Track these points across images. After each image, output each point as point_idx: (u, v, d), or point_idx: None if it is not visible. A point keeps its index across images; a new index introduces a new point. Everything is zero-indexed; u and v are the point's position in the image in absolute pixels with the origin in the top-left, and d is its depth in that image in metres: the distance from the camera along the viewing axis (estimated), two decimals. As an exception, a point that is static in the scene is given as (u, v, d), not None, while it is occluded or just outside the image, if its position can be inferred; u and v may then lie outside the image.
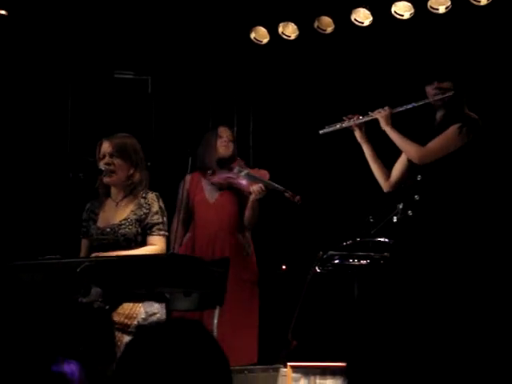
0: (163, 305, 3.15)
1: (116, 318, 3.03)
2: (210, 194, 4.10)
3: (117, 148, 3.25)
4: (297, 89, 4.71)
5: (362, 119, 3.42)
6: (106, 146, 3.28)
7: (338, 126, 3.44)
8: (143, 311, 3.09)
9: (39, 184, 4.34)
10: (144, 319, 3.07)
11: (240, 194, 4.07)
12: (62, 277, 2.87)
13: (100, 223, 3.28)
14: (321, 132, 3.49)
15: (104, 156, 3.27)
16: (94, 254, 3.17)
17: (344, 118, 3.44)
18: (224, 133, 4.11)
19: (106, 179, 3.26)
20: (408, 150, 3.30)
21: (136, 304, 3.08)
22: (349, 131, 3.47)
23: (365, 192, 4.14)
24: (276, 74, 4.75)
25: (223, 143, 4.09)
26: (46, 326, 2.68)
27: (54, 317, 2.75)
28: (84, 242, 3.34)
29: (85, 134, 4.50)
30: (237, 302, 3.86)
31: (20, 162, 4.38)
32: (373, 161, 3.43)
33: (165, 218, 3.24)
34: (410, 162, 3.34)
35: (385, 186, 3.43)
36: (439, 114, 3.35)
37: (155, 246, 3.18)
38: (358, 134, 3.45)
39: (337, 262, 3.73)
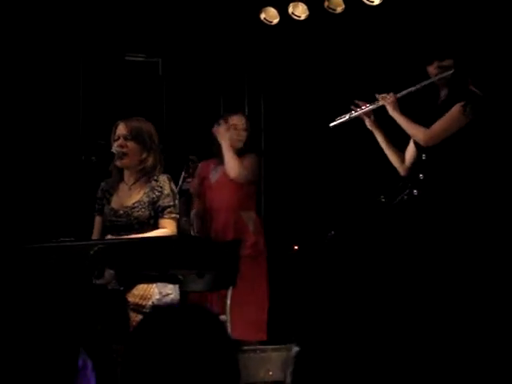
0: (177, 285, 3.16)
1: (130, 298, 3.04)
2: (212, 176, 4.09)
3: (131, 131, 3.24)
4: (307, 69, 4.67)
5: (368, 107, 3.41)
6: (121, 129, 3.28)
7: (347, 117, 3.44)
8: (157, 292, 3.09)
9: (52, 167, 4.34)
10: (158, 300, 3.08)
11: None
12: (77, 259, 2.89)
13: (114, 204, 3.29)
14: (331, 125, 3.49)
15: (118, 138, 3.27)
16: (108, 236, 3.19)
17: (352, 107, 3.44)
18: (235, 121, 4.02)
19: (117, 162, 3.27)
20: (414, 134, 3.30)
21: (150, 285, 3.09)
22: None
23: (376, 171, 4.11)
24: (286, 54, 4.71)
25: (235, 134, 4.00)
26: (61, 309, 2.70)
27: (69, 299, 2.77)
28: (97, 219, 3.35)
29: (96, 116, 4.49)
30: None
31: (32, 145, 4.38)
32: (386, 147, 3.42)
33: (176, 201, 3.24)
34: (418, 143, 3.32)
35: (401, 170, 3.43)
36: (443, 93, 3.33)
37: (166, 229, 3.18)
38: (368, 123, 3.45)
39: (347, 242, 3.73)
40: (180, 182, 4.00)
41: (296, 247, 4.53)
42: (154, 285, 3.09)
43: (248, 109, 4.78)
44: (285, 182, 4.41)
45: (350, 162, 4.44)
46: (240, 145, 4.02)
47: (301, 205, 4.57)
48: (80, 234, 3.30)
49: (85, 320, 2.75)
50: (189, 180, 4.02)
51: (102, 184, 3.38)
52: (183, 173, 4.02)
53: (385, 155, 3.49)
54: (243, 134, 4.01)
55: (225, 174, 4.05)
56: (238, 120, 4.03)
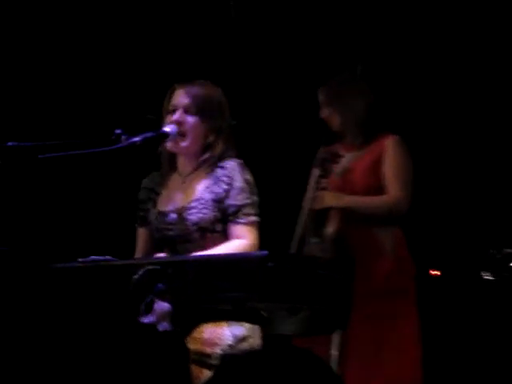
0: (258, 326, 3.13)
1: (192, 345, 3.01)
2: (338, 168, 4.09)
3: (195, 101, 3.25)
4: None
5: None
6: (179, 96, 3.27)
7: None
8: (229, 335, 3.12)
9: (78, 155, 4.39)
10: (231, 346, 3.10)
11: (379, 167, 4.02)
12: (114, 287, 2.90)
13: (162, 206, 3.30)
14: None
15: (175, 110, 3.26)
16: (157, 255, 3.17)
17: None
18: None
19: (170, 144, 3.26)
20: None
21: (219, 325, 3.10)
22: None
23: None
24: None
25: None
26: (91, 356, 2.73)
27: (103, 345, 2.80)
28: (142, 233, 3.37)
29: (137, 78, 4.49)
30: (363, 322, 3.79)
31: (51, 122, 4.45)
32: None
33: (254, 197, 3.24)
34: None
35: None
36: None
37: (242, 239, 3.18)
38: None
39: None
40: (312, 184, 3.95)
41: (436, 273, 4.45)
42: (225, 325, 3.10)
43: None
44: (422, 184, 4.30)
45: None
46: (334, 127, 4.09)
47: (443, 211, 4.49)
48: (119, 250, 3.32)
49: (127, 374, 2.77)
50: (325, 181, 3.98)
51: (145, 181, 3.41)
52: (316, 169, 3.95)
53: None
54: (322, 113, 4.13)
55: (352, 169, 4.05)
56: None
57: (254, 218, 3.20)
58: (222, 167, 3.23)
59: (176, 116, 3.25)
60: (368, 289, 3.85)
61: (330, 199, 3.96)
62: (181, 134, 3.25)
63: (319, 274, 3.00)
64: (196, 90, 3.27)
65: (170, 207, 3.27)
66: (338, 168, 4.08)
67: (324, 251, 3.91)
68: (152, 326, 2.90)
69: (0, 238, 3.78)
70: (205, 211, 3.20)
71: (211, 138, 3.26)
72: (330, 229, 3.98)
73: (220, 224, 3.20)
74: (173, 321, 2.90)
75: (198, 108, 3.24)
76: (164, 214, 3.26)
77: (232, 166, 3.22)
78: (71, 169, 4.22)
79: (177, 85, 3.31)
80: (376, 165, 4.04)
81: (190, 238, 3.20)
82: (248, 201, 3.20)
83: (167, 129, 3.25)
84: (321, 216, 3.99)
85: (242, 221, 3.18)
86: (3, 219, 4.11)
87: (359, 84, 4.25)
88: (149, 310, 2.90)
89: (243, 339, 3.12)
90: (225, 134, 3.28)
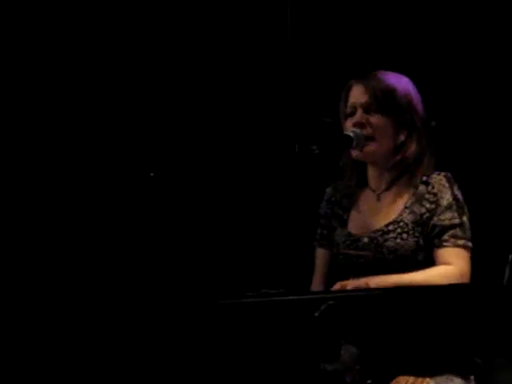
0: (471, 379, 3.16)
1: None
2: None
3: (375, 96, 3.33)
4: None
5: None
6: (358, 93, 3.37)
7: None
8: (436, 393, 3.04)
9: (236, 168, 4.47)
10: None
11: None
12: (290, 326, 2.94)
13: (352, 227, 3.39)
14: None
15: (354, 111, 3.36)
16: (338, 285, 3.23)
17: None
18: None
19: (356, 152, 3.33)
20: None
21: (421, 379, 3.11)
22: None
23: None
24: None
25: None
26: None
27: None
28: (323, 255, 3.49)
29: (309, 74, 4.52)
30: None
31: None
32: None
33: (464, 218, 3.29)
34: None
35: None
36: None
37: (450, 266, 3.24)
38: None
39: None
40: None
41: None
42: (428, 379, 3.12)
43: None
44: None
45: None
46: None
47: None
48: (294, 281, 3.37)
49: None
50: None
51: (329, 191, 3.52)
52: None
53: None
54: None
55: None
56: None
57: (463, 242, 3.24)
58: (425, 182, 3.31)
59: (357, 118, 3.32)
60: None
61: None
62: (367, 138, 3.28)
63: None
64: (375, 83, 3.36)
65: (361, 230, 3.35)
66: None
67: None
68: (338, 376, 2.95)
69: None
70: (404, 236, 3.27)
71: (402, 137, 3.33)
72: None
73: (422, 253, 3.26)
74: (364, 371, 2.96)
75: (379, 104, 3.31)
76: (355, 237, 3.34)
77: (438, 180, 3.30)
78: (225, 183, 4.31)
79: (353, 81, 3.40)
80: None
81: (385, 268, 3.25)
82: (456, 221, 3.26)
83: (350, 133, 3.30)
84: None
85: (447, 244, 3.24)
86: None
87: None
88: (335, 355, 2.93)
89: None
90: (419, 132, 3.32)
